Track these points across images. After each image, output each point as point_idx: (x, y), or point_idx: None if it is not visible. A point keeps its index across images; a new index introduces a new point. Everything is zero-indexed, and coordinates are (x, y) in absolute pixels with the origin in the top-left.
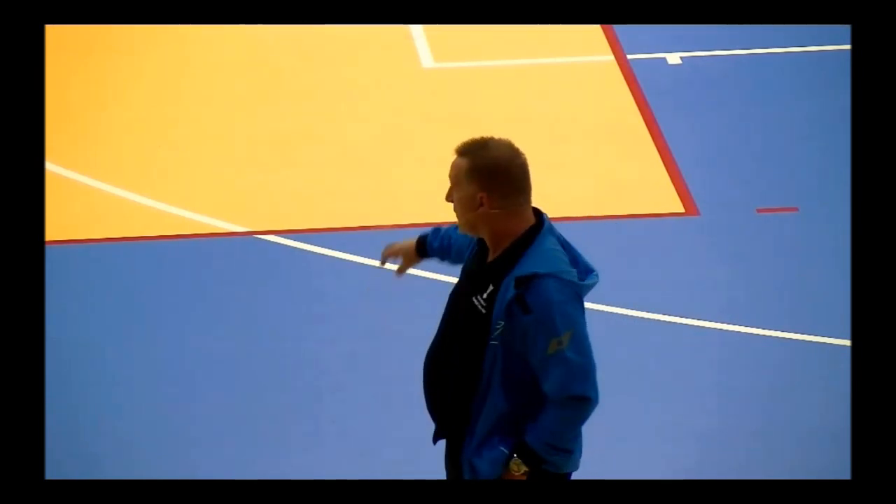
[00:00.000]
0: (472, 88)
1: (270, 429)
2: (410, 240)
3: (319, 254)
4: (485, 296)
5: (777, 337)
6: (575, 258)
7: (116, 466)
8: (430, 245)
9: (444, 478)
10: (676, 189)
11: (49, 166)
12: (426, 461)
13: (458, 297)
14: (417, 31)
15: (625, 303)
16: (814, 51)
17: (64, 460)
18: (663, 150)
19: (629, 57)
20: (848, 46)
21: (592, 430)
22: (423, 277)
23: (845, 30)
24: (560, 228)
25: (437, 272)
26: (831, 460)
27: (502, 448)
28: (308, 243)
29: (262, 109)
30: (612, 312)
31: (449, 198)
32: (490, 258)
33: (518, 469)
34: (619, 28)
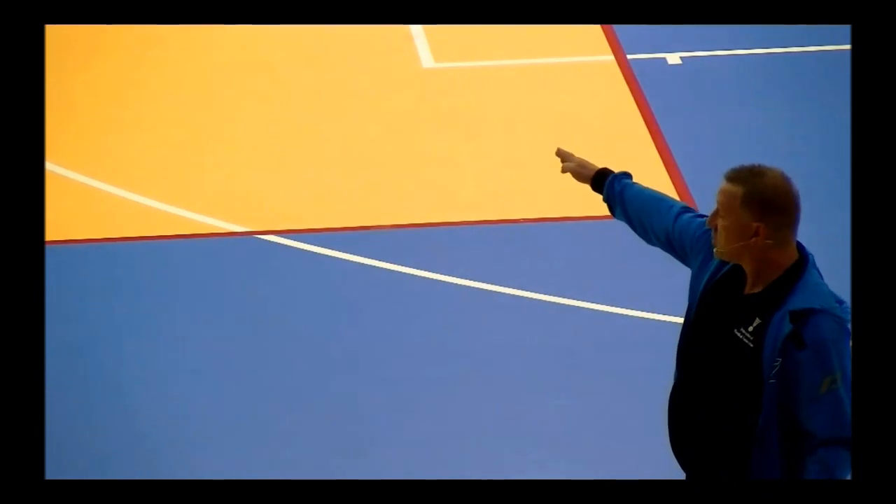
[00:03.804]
0: (472, 88)
1: (270, 428)
2: (592, 164)
3: (319, 254)
4: (751, 329)
5: None
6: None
7: (117, 466)
8: (612, 186)
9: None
10: (676, 189)
11: (49, 166)
12: (425, 461)
13: (706, 328)
14: (417, 31)
15: (626, 303)
16: (814, 51)
17: (64, 460)
18: (663, 150)
19: (629, 57)
20: (848, 46)
21: (593, 430)
22: (425, 278)
23: (845, 30)
24: (560, 228)
25: (438, 273)
26: None
27: None
28: (308, 243)
29: (262, 109)
30: (613, 313)
31: (712, 223)
32: (750, 289)
33: None
34: (619, 28)
